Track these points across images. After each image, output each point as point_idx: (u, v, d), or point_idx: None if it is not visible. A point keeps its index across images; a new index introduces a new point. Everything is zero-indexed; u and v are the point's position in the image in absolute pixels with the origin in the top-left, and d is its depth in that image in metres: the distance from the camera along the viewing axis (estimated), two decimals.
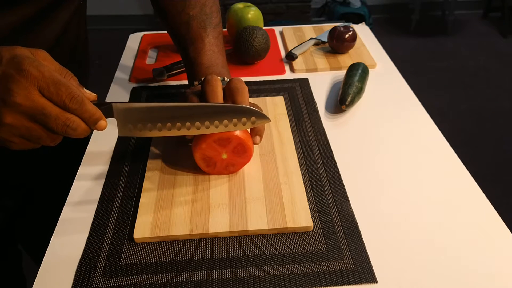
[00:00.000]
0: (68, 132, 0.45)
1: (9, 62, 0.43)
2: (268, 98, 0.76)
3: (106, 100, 0.80)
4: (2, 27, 0.55)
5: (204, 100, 0.56)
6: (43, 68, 0.43)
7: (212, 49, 0.69)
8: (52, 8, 0.60)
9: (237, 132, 0.56)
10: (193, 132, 0.54)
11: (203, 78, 0.65)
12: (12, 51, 0.44)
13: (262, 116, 0.55)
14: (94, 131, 0.72)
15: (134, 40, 1.02)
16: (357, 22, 1.07)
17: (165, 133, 0.53)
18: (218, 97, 0.56)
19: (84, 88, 0.48)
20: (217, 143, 0.56)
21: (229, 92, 0.57)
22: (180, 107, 0.53)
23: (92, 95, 0.49)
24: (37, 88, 0.43)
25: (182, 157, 0.63)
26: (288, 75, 0.87)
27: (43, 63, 0.44)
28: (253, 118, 0.55)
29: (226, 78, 0.65)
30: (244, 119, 0.54)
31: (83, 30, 0.73)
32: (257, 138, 0.59)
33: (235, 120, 0.54)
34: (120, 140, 0.69)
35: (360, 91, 0.76)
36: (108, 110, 0.50)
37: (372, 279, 0.48)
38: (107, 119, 0.49)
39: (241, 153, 0.58)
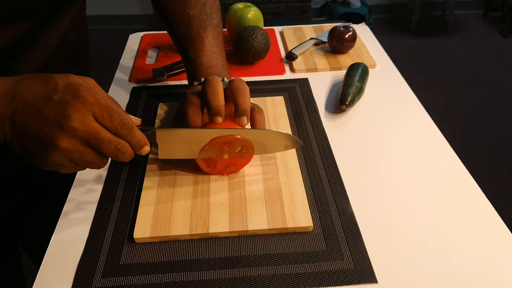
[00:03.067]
0: (118, 156, 0.48)
1: (66, 89, 0.45)
2: (268, 98, 0.76)
3: None
4: (5, 41, 0.55)
5: (205, 101, 0.56)
6: (98, 95, 0.46)
7: (212, 49, 0.69)
8: (52, 18, 0.60)
9: (239, 136, 0.56)
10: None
11: (203, 79, 0.65)
12: (66, 79, 0.46)
13: (296, 142, 0.59)
14: None
15: (134, 40, 1.02)
16: (357, 22, 1.07)
17: (202, 156, 0.57)
18: (219, 98, 0.56)
19: (129, 114, 0.51)
20: (220, 145, 0.56)
21: (230, 92, 0.57)
22: (220, 131, 0.56)
23: (138, 120, 0.52)
24: (92, 114, 0.45)
25: None
26: (288, 75, 0.87)
27: (96, 90, 0.47)
28: (287, 144, 0.59)
29: (226, 79, 0.65)
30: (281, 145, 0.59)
31: (84, 32, 0.73)
32: None
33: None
34: None
35: (360, 91, 0.76)
36: (152, 135, 0.54)
37: (372, 279, 0.48)
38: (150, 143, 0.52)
39: (243, 154, 0.58)
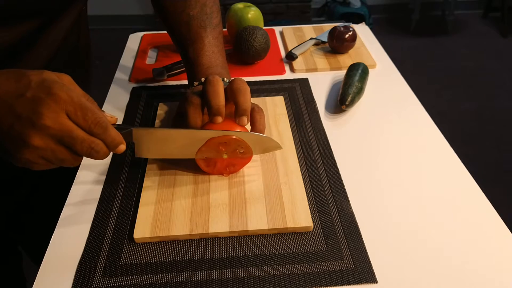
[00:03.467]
0: (92, 154, 0.47)
1: (39, 86, 0.44)
2: (268, 98, 0.76)
3: (106, 100, 0.80)
4: (10, 39, 0.55)
5: (206, 100, 0.56)
6: (72, 92, 0.45)
7: (212, 49, 0.69)
8: (55, 18, 0.60)
9: (234, 136, 0.56)
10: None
11: (203, 79, 0.65)
12: (40, 75, 0.45)
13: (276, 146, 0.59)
14: None
15: (134, 40, 1.02)
16: (357, 22, 1.07)
17: (178, 156, 0.57)
18: (220, 98, 0.56)
19: (105, 112, 0.50)
20: (216, 145, 0.56)
21: (231, 92, 0.57)
22: (196, 132, 0.55)
23: (113, 118, 0.52)
24: (65, 112, 0.45)
25: None
26: (288, 75, 0.87)
27: (71, 87, 0.46)
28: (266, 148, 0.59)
29: (225, 79, 0.65)
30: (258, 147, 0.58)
31: (85, 33, 0.73)
32: None
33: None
34: None
35: (360, 91, 0.76)
36: (128, 134, 0.53)
37: (372, 279, 0.48)
38: (126, 142, 0.51)
39: (242, 154, 0.58)
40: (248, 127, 0.60)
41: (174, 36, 0.73)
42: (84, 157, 0.48)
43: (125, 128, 0.53)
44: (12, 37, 0.55)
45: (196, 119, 0.57)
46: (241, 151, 0.57)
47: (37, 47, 0.59)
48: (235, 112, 0.57)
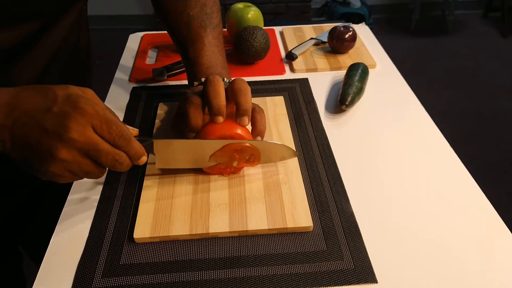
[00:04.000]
0: (116, 166, 0.49)
1: (65, 101, 0.45)
2: (268, 98, 0.76)
3: (106, 100, 0.80)
4: (12, 40, 0.55)
5: (207, 100, 0.56)
6: (97, 106, 0.46)
7: (212, 49, 0.69)
8: (56, 18, 0.60)
9: (239, 131, 0.57)
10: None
11: (203, 79, 0.65)
12: (66, 90, 0.47)
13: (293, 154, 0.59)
14: None
15: (134, 40, 1.02)
16: (357, 22, 1.07)
17: (196, 165, 0.58)
18: (221, 97, 0.56)
19: (127, 126, 0.51)
20: (231, 152, 0.57)
21: (232, 92, 0.57)
22: (214, 142, 0.56)
23: (135, 131, 0.53)
24: (91, 125, 0.46)
25: None
26: (288, 75, 0.87)
27: (95, 101, 0.47)
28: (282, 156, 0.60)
29: (226, 79, 0.65)
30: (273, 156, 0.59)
31: (85, 33, 0.73)
32: (259, 138, 0.59)
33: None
34: None
35: (360, 91, 0.76)
36: (149, 146, 0.54)
37: (372, 279, 0.48)
38: (147, 153, 0.52)
39: (251, 161, 0.59)
40: (249, 127, 0.60)
41: (174, 36, 0.73)
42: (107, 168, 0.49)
43: (146, 140, 0.54)
44: (13, 38, 0.55)
45: (197, 119, 0.57)
46: (251, 159, 0.58)
47: (38, 48, 0.59)
48: (236, 112, 0.57)
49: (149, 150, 0.55)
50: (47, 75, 0.63)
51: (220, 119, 0.56)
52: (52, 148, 0.44)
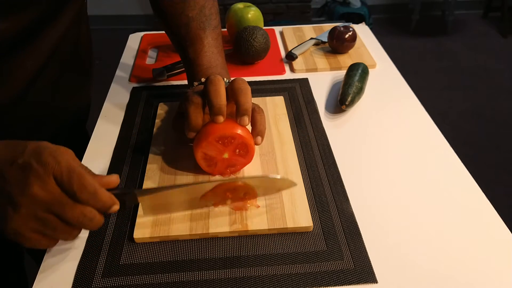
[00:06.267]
0: (85, 223, 0.45)
1: (31, 153, 0.44)
2: (268, 98, 0.76)
3: (106, 100, 0.80)
4: (7, 32, 0.55)
5: (207, 100, 0.56)
6: (61, 157, 0.44)
7: (212, 50, 0.69)
8: (56, 10, 0.60)
9: (239, 131, 0.56)
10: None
11: (203, 79, 0.65)
12: (37, 143, 0.45)
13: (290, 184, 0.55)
14: (96, 128, 0.73)
15: (134, 40, 1.02)
16: (357, 22, 1.07)
17: (187, 209, 0.55)
18: (222, 97, 0.56)
19: (102, 175, 0.48)
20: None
21: (232, 92, 0.57)
22: (202, 186, 0.53)
23: (112, 179, 0.48)
24: (52, 177, 0.43)
25: (182, 157, 0.63)
26: (288, 75, 0.87)
27: (63, 153, 0.44)
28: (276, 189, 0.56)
29: (225, 79, 0.65)
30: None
31: (85, 32, 0.73)
32: (259, 138, 0.59)
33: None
34: (121, 139, 0.69)
35: (360, 91, 0.76)
36: (133, 197, 0.51)
37: (372, 279, 0.48)
38: (132, 204, 0.49)
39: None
40: (249, 127, 0.60)
41: (173, 37, 0.73)
42: (78, 224, 0.45)
43: (128, 192, 0.50)
44: (14, 27, 0.55)
45: (197, 118, 0.57)
46: (247, 197, 0.55)
47: (39, 39, 0.59)
48: (236, 112, 0.57)
49: (133, 201, 0.51)
50: (48, 67, 0.63)
51: (221, 118, 0.56)
52: (13, 203, 0.42)
